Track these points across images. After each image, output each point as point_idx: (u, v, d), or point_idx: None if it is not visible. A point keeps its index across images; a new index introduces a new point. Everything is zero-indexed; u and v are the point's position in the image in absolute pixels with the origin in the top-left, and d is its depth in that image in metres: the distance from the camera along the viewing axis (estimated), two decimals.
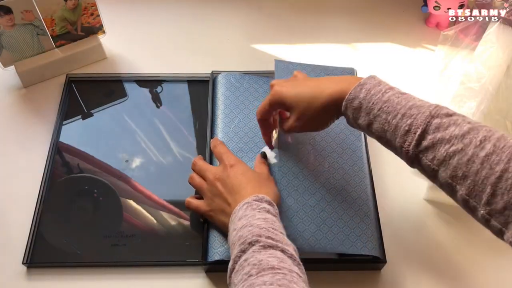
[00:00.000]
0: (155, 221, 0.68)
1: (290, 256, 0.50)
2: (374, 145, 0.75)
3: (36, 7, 0.76)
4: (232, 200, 0.59)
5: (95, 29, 0.84)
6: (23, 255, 0.65)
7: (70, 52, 0.83)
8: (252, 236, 0.51)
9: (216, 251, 0.63)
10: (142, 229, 0.68)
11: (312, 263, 0.64)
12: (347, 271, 0.65)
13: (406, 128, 0.49)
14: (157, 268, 0.65)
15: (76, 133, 0.77)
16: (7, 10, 0.74)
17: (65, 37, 0.82)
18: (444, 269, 0.66)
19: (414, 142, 0.48)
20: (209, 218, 0.64)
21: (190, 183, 0.67)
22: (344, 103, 0.54)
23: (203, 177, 0.65)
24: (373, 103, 0.52)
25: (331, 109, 0.56)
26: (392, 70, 0.86)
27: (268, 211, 0.56)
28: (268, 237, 0.51)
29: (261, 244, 0.50)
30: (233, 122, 0.73)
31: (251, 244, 0.51)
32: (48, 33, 0.80)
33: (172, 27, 0.92)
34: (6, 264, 0.65)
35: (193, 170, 0.67)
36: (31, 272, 0.65)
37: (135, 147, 0.75)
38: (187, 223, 0.68)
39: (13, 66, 0.81)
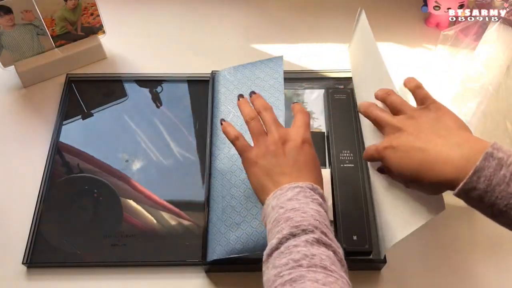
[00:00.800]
0: (155, 221, 0.68)
1: (340, 260, 0.47)
2: None
3: (36, 7, 0.76)
4: (289, 172, 0.53)
5: (95, 29, 0.84)
6: (23, 255, 0.65)
7: (70, 52, 0.83)
8: (308, 224, 0.47)
9: (215, 251, 0.63)
10: (142, 229, 0.68)
11: None
12: None
13: None
14: (157, 268, 0.65)
15: (76, 133, 0.77)
16: (7, 10, 0.74)
17: (65, 37, 0.82)
18: (444, 269, 0.66)
19: None
20: (248, 167, 0.57)
21: (248, 122, 0.59)
22: (456, 191, 0.46)
23: (267, 129, 0.58)
24: (496, 197, 0.43)
25: (439, 190, 0.51)
26: (392, 70, 0.86)
27: (320, 204, 0.51)
28: (323, 233, 0.48)
29: (315, 236, 0.47)
30: (228, 117, 0.73)
31: (304, 231, 0.47)
32: (48, 33, 0.80)
33: (172, 27, 0.92)
34: (6, 264, 0.65)
35: (260, 115, 0.59)
36: (31, 272, 0.65)
37: (135, 147, 0.75)
38: (187, 223, 0.68)
39: (13, 66, 0.81)
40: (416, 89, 0.56)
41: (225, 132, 0.60)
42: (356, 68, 0.76)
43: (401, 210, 0.59)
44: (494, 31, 0.74)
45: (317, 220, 0.48)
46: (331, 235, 0.49)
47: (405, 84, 0.58)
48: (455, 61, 0.78)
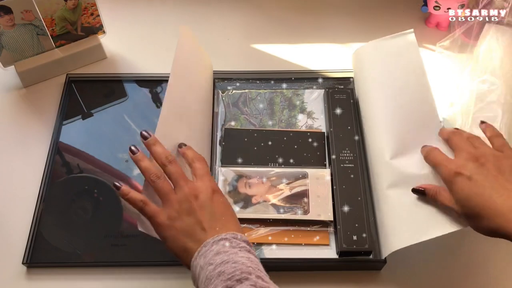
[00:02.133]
0: None
1: None
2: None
3: (36, 7, 0.76)
4: (209, 226, 0.51)
5: (95, 29, 0.84)
6: (23, 255, 0.65)
7: (70, 52, 0.83)
8: (241, 272, 0.45)
9: None
10: None
11: (312, 263, 0.64)
12: (347, 271, 0.65)
13: None
14: (157, 268, 0.65)
15: (76, 133, 0.77)
16: (7, 10, 0.74)
17: (65, 37, 0.82)
18: (444, 269, 0.66)
19: None
20: (162, 232, 0.53)
21: (152, 181, 0.55)
22: None
23: (174, 183, 0.55)
24: None
25: (492, 235, 0.52)
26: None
27: (249, 251, 0.50)
28: (258, 277, 0.46)
29: (251, 283, 0.45)
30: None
31: (239, 281, 0.45)
32: (48, 33, 0.80)
33: (172, 27, 0.92)
34: (6, 264, 0.65)
35: (164, 168, 0.56)
36: (31, 272, 0.65)
37: None
38: None
39: (13, 66, 0.81)
40: (495, 137, 0.58)
41: (128, 201, 0.55)
42: (371, 76, 0.74)
43: (414, 217, 0.60)
44: (492, 36, 0.73)
45: (250, 266, 0.47)
46: (267, 278, 0.48)
47: (483, 131, 0.59)
48: (456, 67, 0.77)
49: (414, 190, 0.60)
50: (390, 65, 0.72)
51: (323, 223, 0.66)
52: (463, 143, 0.57)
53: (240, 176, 0.69)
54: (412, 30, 0.72)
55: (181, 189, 0.54)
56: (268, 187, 0.68)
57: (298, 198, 0.67)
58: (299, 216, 0.66)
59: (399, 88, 0.69)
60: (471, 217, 0.53)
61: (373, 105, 0.71)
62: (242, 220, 0.66)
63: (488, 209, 0.50)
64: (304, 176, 0.69)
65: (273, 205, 0.67)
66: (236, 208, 0.67)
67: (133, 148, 0.57)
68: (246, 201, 0.67)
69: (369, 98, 0.72)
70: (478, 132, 0.63)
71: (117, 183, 0.56)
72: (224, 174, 0.69)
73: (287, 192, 0.68)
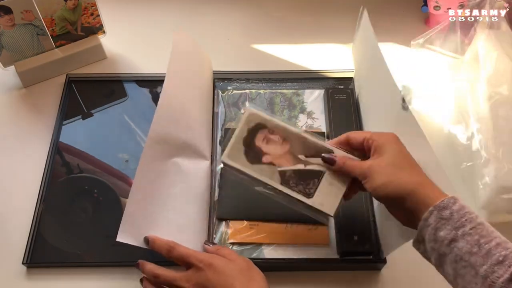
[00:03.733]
0: None
1: None
2: None
3: (36, 7, 0.76)
4: None
5: (95, 29, 0.84)
6: (23, 255, 0.65)
7: (70, 52, 0.83)
8: None
9: None
10: None
11: (312, 263, 0.64)
12: (347, 271, 0.65)
13: (500, 259, 0.43)
14: None
15: (76, 133, 0.77)
16: (7, 10, 0.74)
17: (65, 37, 0.82)
18: None
19: (506, 275, 0.43)
20: None
21: None
22: (431, 208, 0.48)
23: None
24: (466, 219, 0.47)
25: (406, 205, 0.51)
26: (392, 70, 0.86)
27: None
28: None
29: None
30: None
31: None
32: (48, 33, 0.80)
33: (172, 27, 0.92)
34: (6, 264, 0.65)
35: (155, 283, 0.59)
36: (31, 272, 0.65)
37: (135, 147, 0.75)
38: None
39: (13, 66, 0.81)
40: None
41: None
42: (359, 68, 0.75)
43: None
44: (483, 45, 0.73)
45: None
46: None
47: None
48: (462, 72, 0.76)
49: (324, 158, 0.59)
50: (362, 56, 0.71)
51: (319, 223, 0.66)
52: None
53: (263, 127, 0.62)
54: (362, 8, 0.71)
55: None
56: (285, 152, 0.61)
57: (309, 178, 0.60)
58: (300, 196, 0.59)
59: (367, 79, 0.69)
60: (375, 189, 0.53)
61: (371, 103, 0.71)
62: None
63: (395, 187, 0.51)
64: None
65: (281, 173, 0.60)
66: (244, 158, 0.61)
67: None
68: (257, 156, 0.61)
69: (359, 95, 0.73)
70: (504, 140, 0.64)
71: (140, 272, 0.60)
72: (252, 112, 0.62)
73: (300, 166, 0.60)
